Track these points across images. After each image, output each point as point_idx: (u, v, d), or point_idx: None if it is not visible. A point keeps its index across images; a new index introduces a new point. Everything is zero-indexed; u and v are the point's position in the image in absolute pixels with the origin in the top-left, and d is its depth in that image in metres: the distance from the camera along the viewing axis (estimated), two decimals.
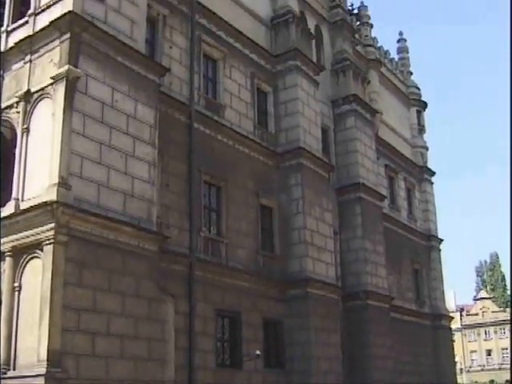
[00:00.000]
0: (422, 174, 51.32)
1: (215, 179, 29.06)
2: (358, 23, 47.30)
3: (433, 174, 52.42)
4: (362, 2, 48.36)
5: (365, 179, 39.35)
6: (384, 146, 45.52)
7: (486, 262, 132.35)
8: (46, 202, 20.07)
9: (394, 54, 53.28)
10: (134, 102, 23.59)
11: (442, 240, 51.13)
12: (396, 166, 47.58)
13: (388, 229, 42.82)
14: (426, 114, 53.82)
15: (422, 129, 52.90)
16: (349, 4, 45.91)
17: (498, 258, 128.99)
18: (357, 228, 38.18)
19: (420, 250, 48.78)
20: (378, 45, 49.28)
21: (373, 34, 48.43)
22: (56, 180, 20.35)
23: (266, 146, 32.45)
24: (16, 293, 20.52)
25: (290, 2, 35.83)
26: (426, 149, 52.71)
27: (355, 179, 38.88)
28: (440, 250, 50.90)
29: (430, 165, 52.49)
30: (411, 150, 51.20)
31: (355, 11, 47.00)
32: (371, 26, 48.45)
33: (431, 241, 50.09)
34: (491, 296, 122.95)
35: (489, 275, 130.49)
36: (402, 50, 55.34)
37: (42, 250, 20.08)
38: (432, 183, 52.34)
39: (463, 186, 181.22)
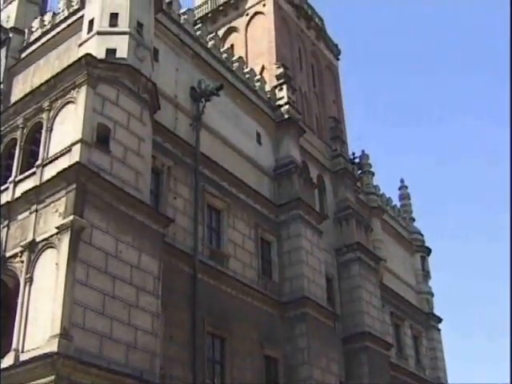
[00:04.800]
0: (429, 320, 50.49)
1: (219, 330, 28.65)
2: (360, 172, 47.99)
3: (440, 320, 51.54)
4: (363, 151, 49.22)
5: (370, 328, 38.75)
6: (389, 293, 45.15)
7: None
8: (46, 354, 19.67)
9: (396, 201, 53.95)
10: (138, 252, 23.55)
11: None
12: (402, 314, 46.95)
13: (395, 378, 41.76)
14: (431, 259, 53.76)
15: (426, 275, 52.53)
16: (350, 153, 46.89)
17: None
18: (363, 377, 37.16)
19: None
20: (380, 192, 49.87)
21: (374, 182, 49.19)
22: (58, 331, 20.02)
23: (270, 296, 32.16)
24: None
25: (292, 152, 36.55)
26: (432, 295, 52.16)
27: (361, 328, 38.27)
28: None
29: (437, 311, 51.83)
30: (416, 297, 50.67)
31: (357, 160, 47.62)
32: (373, 174, 49.18)
33: None
34: None
35: None
36: (404, 196, 55.99)
37: None
38: (439, 330, 51.38)
39: (470, 329, 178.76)
